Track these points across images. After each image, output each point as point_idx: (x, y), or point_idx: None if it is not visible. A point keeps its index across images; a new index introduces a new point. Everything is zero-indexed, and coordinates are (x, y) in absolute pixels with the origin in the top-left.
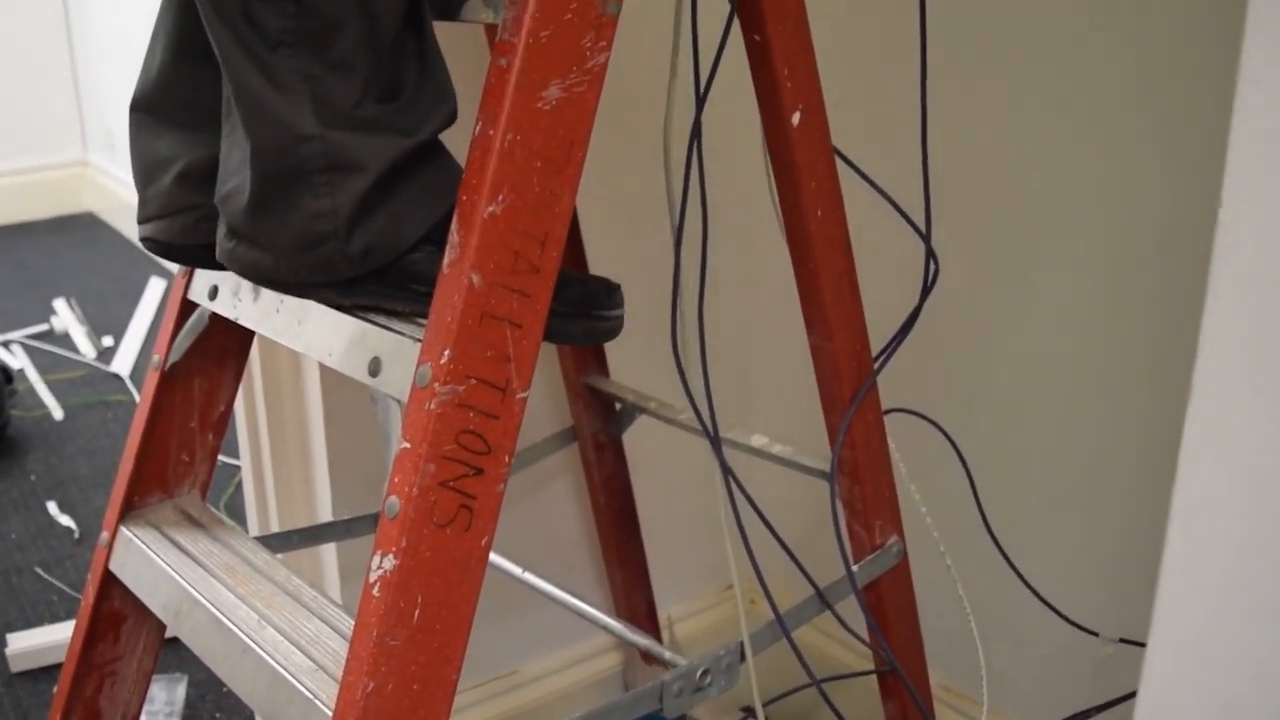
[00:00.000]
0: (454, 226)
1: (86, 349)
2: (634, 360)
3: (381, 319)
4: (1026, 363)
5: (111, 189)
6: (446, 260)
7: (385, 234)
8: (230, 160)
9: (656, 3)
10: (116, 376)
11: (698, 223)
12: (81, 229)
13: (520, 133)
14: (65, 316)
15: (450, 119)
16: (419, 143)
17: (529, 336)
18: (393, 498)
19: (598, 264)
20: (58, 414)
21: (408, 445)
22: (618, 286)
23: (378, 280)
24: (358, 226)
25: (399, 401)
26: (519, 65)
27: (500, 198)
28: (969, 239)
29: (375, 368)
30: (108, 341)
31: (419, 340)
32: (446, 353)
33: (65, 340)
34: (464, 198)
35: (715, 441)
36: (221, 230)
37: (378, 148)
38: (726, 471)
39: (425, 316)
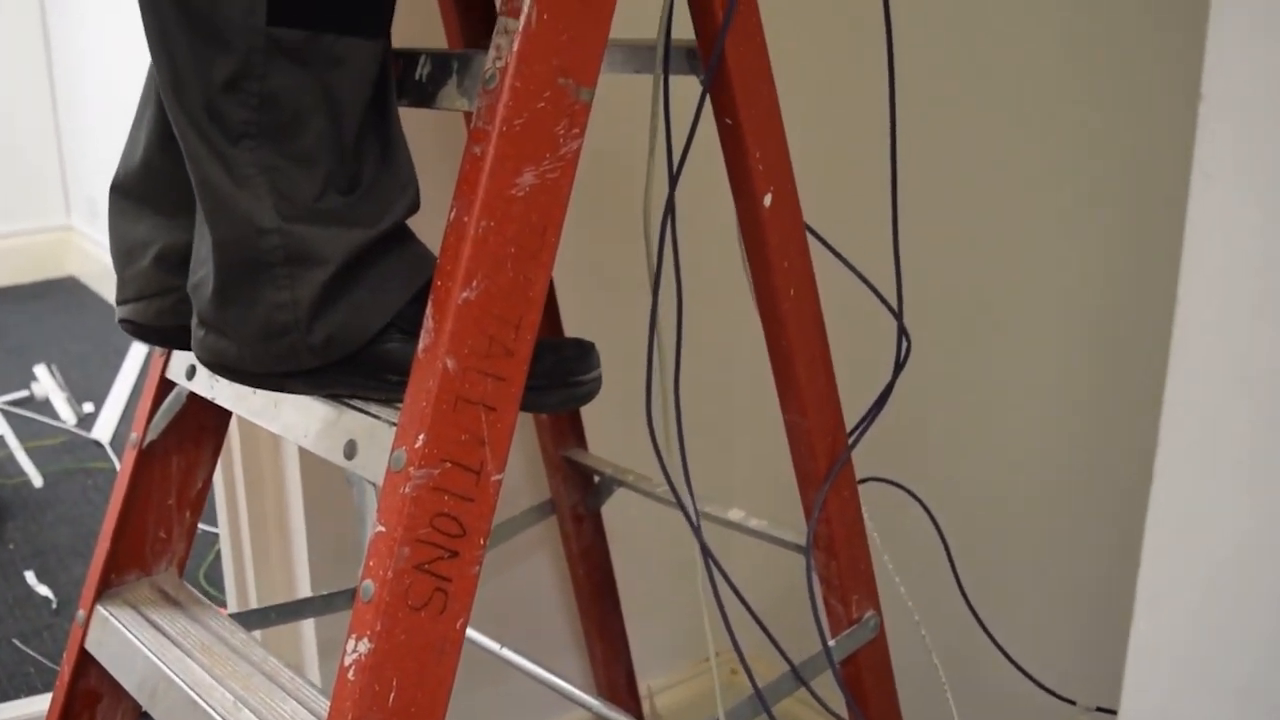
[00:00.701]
0: (429, 312)
1: (67, 415)
2: (613, 431)
3: (358, 402)
4: (1001, 430)
5: (94, 254)
6: (421, 345)
7: (347, 324)
8: (200, 250)
9: (634, 84)
10: (97, 443)
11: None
12: (64, 294)
13: (494, 219)
14: (46, 382)
15: (412, 208)
16: (380, 233)
17: (503, 419)
18: (368, 581)
19: (575, 333)
20: (37, 481)
21: (383, 529)
22: (592, 346)
23: (348, 370)
24: (319, 318)
25: (374, 485)
26: (493, 153)
27: (474, 284)
28: (941, 309)
29: (351, 450)
30: (88, 408)
31: (394, 424)
32: (421, 437)
33: (46, 407)
34: (439, 283)
35: (694, 525)
36: (194, 319)
37: (338, 240)
38: (705, 553)
39: (401, 401)
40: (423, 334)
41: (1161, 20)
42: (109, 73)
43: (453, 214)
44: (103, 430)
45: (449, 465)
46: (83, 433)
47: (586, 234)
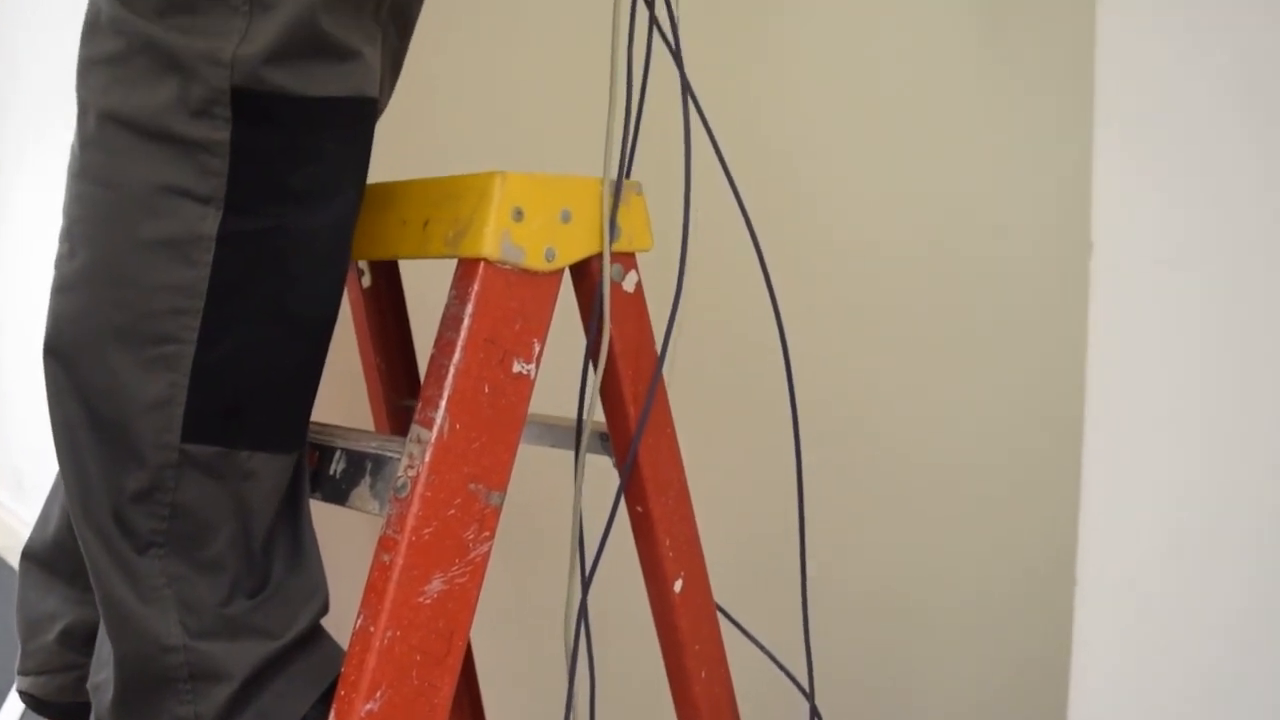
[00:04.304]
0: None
1: None
2: None
3: None
4: None
5: (15, 528)
6: None
7: None
8: (101, 651)
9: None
10: None
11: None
12: None
13: (400, 629)
14: None
15: (321, 612)
16: (287, 643)
17: None
18: None
19: (489, 676)
20: None
21: None
22: None
23: None
24: None
25: None
26: (401, 563)
27: (378, 695)
28: (854, 681)
29: None
30: None
31: None
32: None
33: None
34: (342, 693)
35: None
36: (92, 715)
37: (244, 653)
38: None
39: None
40: None
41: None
42: (36, 348)
43: (359, 622)
44: None
45: None
46: None
47: (513, 573)
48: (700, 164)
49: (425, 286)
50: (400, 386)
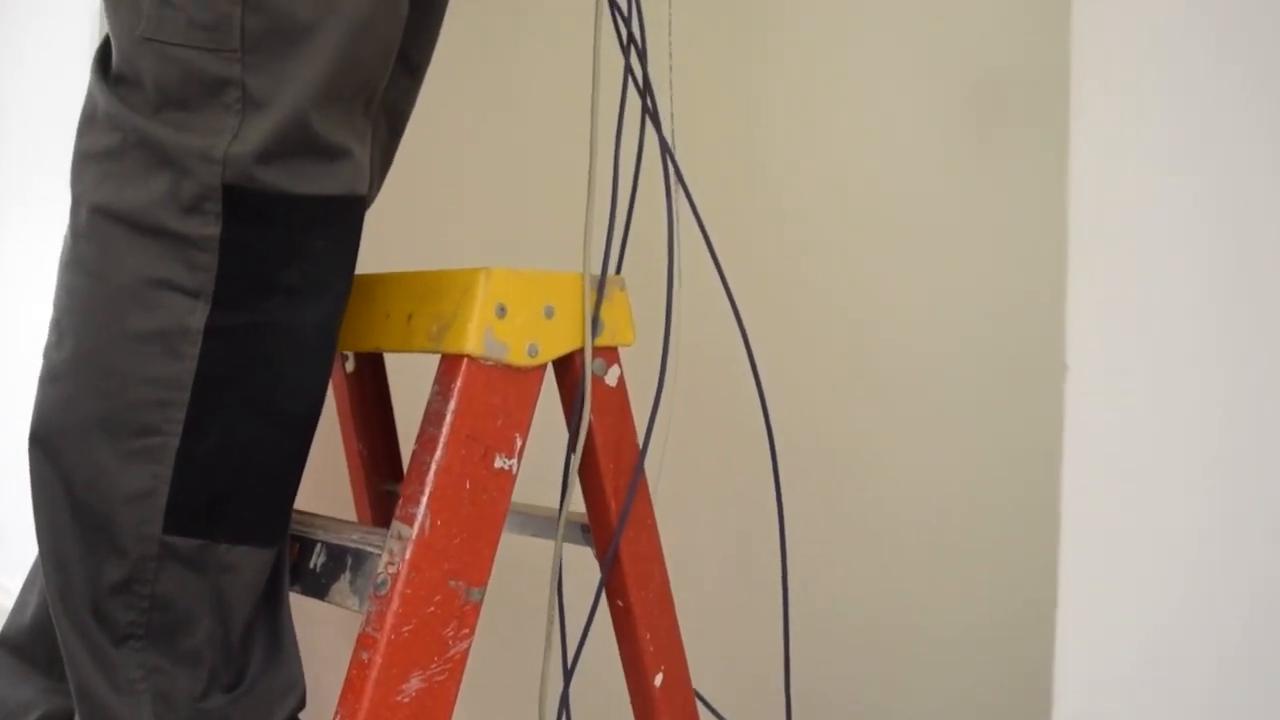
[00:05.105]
0: None
1: None
2: None
3: None
4: None
5: None
6: None
7: None
8: None
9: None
10: None
11: None
12: None
13: None
14: None
15: (298, 708)
16: None
17: None
18: None
19: None
20: None
21: None
22: None
23: None
24: None
25: None
26: (380, 661)
27: None
28: None
29: None
30: None
31: None
32: None
33: None
34: None
35: None
36: None
37: None
38: None
39: None
40: None
41: None
42: (14, 414)
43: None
44: None
45: None
46: None
47: (491, 674)
48: (690, 253)
49: (409, 366)
50: (382, 471)
